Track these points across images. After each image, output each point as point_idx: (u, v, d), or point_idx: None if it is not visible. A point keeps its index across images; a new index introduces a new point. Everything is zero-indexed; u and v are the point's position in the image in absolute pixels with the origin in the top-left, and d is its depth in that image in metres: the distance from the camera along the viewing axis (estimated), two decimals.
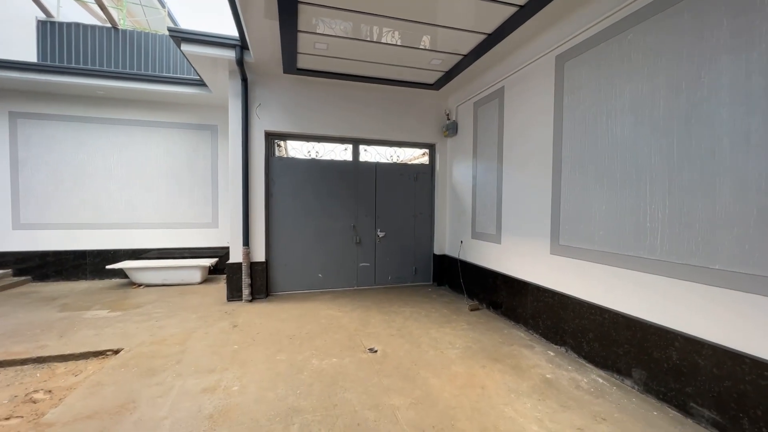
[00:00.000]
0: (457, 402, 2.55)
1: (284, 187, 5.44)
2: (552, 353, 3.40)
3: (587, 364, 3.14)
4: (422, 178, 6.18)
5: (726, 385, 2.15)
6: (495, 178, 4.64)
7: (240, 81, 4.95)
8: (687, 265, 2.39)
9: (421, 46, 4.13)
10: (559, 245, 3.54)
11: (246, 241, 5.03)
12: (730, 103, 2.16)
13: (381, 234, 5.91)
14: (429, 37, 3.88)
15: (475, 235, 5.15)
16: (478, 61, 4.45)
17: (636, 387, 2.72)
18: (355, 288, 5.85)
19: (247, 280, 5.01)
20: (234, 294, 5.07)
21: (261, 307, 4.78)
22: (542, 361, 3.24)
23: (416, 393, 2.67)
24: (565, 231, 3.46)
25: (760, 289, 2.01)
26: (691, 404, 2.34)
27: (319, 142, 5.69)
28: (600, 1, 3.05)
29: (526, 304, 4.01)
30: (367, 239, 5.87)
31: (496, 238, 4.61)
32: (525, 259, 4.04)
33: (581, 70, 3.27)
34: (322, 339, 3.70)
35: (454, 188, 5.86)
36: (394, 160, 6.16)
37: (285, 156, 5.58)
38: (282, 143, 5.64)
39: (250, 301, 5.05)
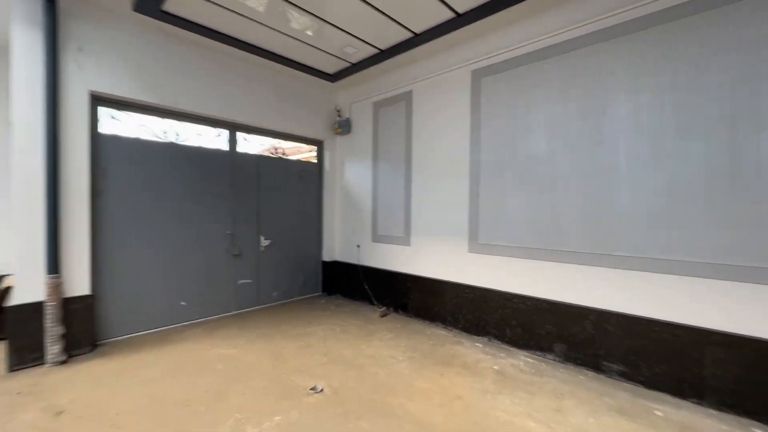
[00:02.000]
0: (454, 423, 2.32)
1: (123, 180, 3.67)
2: (480, 345, 3.66)
3: (512, 348, 3.55)
4: (309, 178, 5.53)
5: (628, 343, 2.85)
6: (402, 181, 4.65)
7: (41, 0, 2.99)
8: (595, 254, 3.04)
9: (341, 26, 3.65)
10: (477, 244, 3.86)
11: (54, 267, 3.07)
12: (626, 130, 2.89)
13: (265, 242, 4.90)
14: (355, 15, 3.47)
15: (377, 238, 5.01)
16: (388, 60, 4.35)
17: (557, 359, 3.25)
18: (235, 312, 4.61)
19: (56, 329, 3.05)
20: (25, 357, 3.00)
21: (93, 369, 3.01)
22: (479, 354, 3.43)
23: (407, 427, 2.27)
24: (484, 231, 3.81)
25: (649, 267, 2.77)
26: (603, 363, 2.98)
27: (181, 120, 4.15)
28: (515, 32, 3.52)
29: (443, 303, 4.18)
30: (248, 250, 4.73)
31: (405, 240, 4.62)
32: (441, 258, 4.21)
33: (499, 87, 3.69)
34: (238, 393, 2.65)
35: (347, 189, 5.52)
36: (279, 155, 5.24)
37: (125, 136, 3.75)
38: (121, 115, 3.76)
39: (64, 362, 3.11)
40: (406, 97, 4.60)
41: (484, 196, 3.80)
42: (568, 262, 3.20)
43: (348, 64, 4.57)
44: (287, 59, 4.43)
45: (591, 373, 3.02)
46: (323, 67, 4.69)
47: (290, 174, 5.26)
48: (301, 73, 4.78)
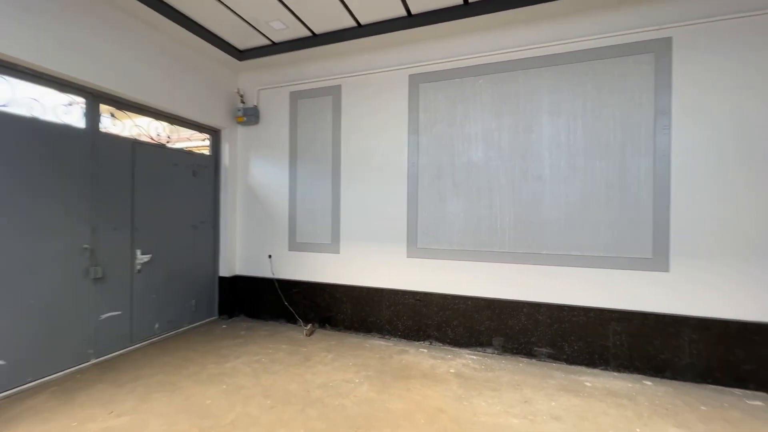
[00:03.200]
0: None
1: None
2: (425, 350, 3.65)
3: (455, 348, 3.66)
4: (203, 174, 4.43)
5: (555, 328, 3.34)
6: (330, 184, 4.24)
7: None
8: (526, 253, 3.45)
9: None
10: (417, 248, 3.86)
11: None
12: (549, 146, 3.39)
13: (144, 258, 3.63)
14: None
15: (296, 246, 4.41)
16: (317, 47, 3.91)
17: (496, 352, 3.53)
18: (98, 361, 3.22)
19: None
20: None
21: None
22: (428, 359, 3.40)
23: None
24: (423, 235, 3.83)
25: (569, 263, 3.31)
26: (535, 348, 3.40)
27: (7, 74, 2.62)
28: (455, 45, 3.69)
29: (380, 312, 3.99)
30: (116, 270, 3.40)
31: (333, 248, 4.22)
32: (376, 265, 4.02)
33: (438, 95, 3.78)
34: None
35: (253, 190, 4.67)
36: (164, 143, 3.99)
37: None
38: None
39: None
40: (334, 92, 4.22)
41: (424, 200, 3.83)
42: (503, 262, 3.53)
43: (267, 42, 3.88)
44: (185, 17, 3.42)
45: (526, 360, 3.40)
46: (233, 39, 3.84)
47: (180, 168, 4.08)
48: (200, 40, 3.78)
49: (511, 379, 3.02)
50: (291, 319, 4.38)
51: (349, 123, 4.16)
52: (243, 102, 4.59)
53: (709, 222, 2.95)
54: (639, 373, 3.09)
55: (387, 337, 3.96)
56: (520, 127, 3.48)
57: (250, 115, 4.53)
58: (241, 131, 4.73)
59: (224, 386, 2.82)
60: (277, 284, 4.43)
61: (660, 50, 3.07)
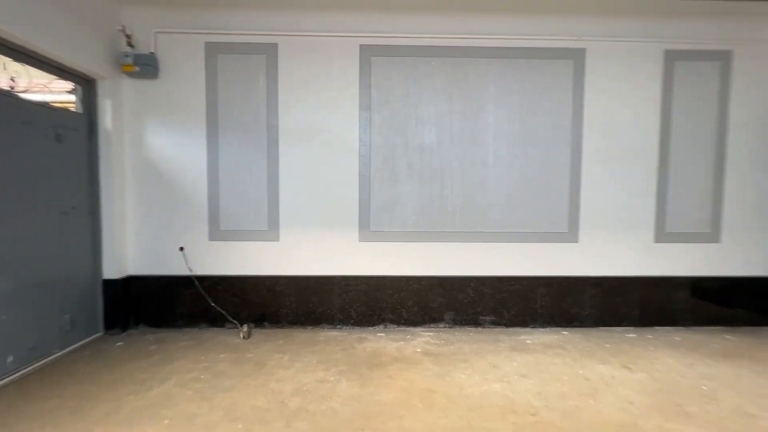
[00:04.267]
0: (458, 417, 2.22)
1: None
2: (382, 334, 3.59)
3: (410, 328, 3.72)
4: (72, 140, 3.17)
5: (497, 298, 3.75)
6: (265, 160, 3.62)
7: None
8: (474, 232, 3.73)
9: None
10: (369, 232, 3.71)
11: None
12: (493, 133, 3.68)
13: None
14: None
15: (220, 235, 3.66)
16: None
17: (447, 326, 3.75)
18: None
19: None
20: None
21: None
22: (390, 342, 3.37)
23: None
24: (377, 218, 3.70)
25: (508, 239, 3.73)
26: (480, 318, 3.76)
27: None
28: (408, 21, 3.56)
29: (330, 301, 3.71)
30: None
31: (271, 235, 3.67)
32: (325, 252, 3.69)
33: (391, 71, 3.62)
34: None
35: (153, 165, 3.61)
36: (7, 87, 2.63)
37: None
38: None
39: None
40: (269, 52, 3.57)
41: (377, 182, 3.68)
42: (453, 241, 3.73)
43: None
44: None
45: (474, 329, 3.74)
46: None
47: (35, 129, 2.80)
48: None
49: (472, 348, 3.27)
50: (215, 323, 3.66)
51: (289, 90, 3.60)
52: (131, 45, 3.42)
53: (602, 202, 3.74)
54: (557, 326, 3.77)
55: (339, 326, 3.73)
56: (469, 114, 3.67)
57: (144, 65, 3.42)
58: (131, 86, 3.54)
59: (166, 421, 2.16)
60: (197, 282, 3.60)
61: (577, 58, 3.66)
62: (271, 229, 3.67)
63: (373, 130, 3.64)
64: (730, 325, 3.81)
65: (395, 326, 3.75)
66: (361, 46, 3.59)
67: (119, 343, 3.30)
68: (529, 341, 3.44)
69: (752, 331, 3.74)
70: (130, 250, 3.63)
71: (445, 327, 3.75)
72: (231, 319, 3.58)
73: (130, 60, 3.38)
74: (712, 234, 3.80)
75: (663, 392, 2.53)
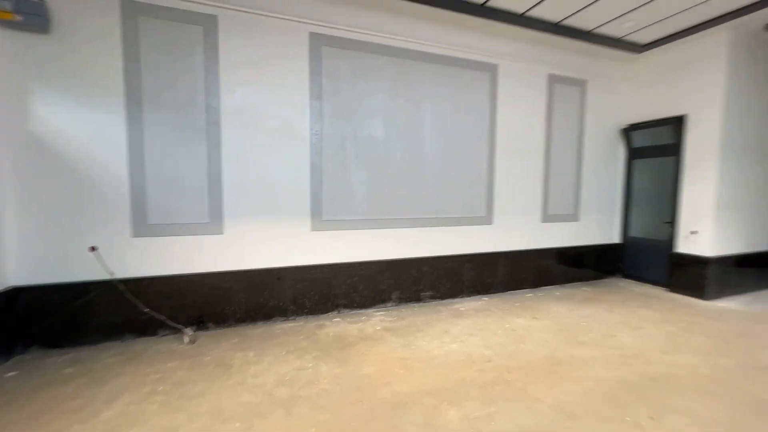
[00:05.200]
0: (437, 374, 2.60)
1: None
2: (339, 319, 3.71)
3: (363, 310, 3.94)
4: None
5: (434, 274, 4.28)
6: (205, 146, 3.27)
7: None
8: (416, 218, 4.16)
9: None
10: (322, 221, 3.75)
11: None
12: (430, 131, 4.15)
13: None
14: None
15: (147, 230, 3.16)
16: None
17: (394, 304, 4.11)
18: None
19: None
20: None
21: None
22: (350, 326, 3.53)
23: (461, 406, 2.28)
24: (329, 207, 3.77)
25: (442, 224, 4.29)
26: (421, 294, 4.24)
27: None
28: (359, 16, 3.68)
29: (282, 293, 3.62)
30: None
31: (213, 228, 3.36)
32: (276, 243, 3.58)
33: (341, 63, 3.69)
34: None
35: (47, 146, 2.84)
36: None
37: None
38: None
39: None
40: (207, 23, 3.20)
41: (329, 171, 3.73)
42: (399, 227, 4.09)
43: None
44: None
45: (417, 304, 4.20)
46: None
47: None
48: None
49: (422, 320, 3.71)
50: (144, 332, 3.17)
51: (232, 70, 3.31)
52: None
53: (509, 191, 4.65)
54: (480, 294, 4.56)
55: (293, 317, 3.69)
56: (411, 110, 4.04)
57: (27, 14, 2.66)
58: (10, 39, 2.70)
59: None
60: (123, 287, 3.03)
61: (492, 71, 4.42)
62: (213, 221, 3.35)
63: (325, 119, 3.67)
64: (585, 280, 5.26)
65: (349, 310, 3.92)
66: (311, 34, 3.55)
67: (11, 374, 2.57)
68: (462, 308, 4.08)
69: (598, 282, 5.26)
70: (14, 254, 2.81)
71: (393, 305, 4.11)
72: (173, 324, 3.16)
73: (8, 5, 2.58)
74: (574, 215, 5.15)
75: (561, 331, 3.43)
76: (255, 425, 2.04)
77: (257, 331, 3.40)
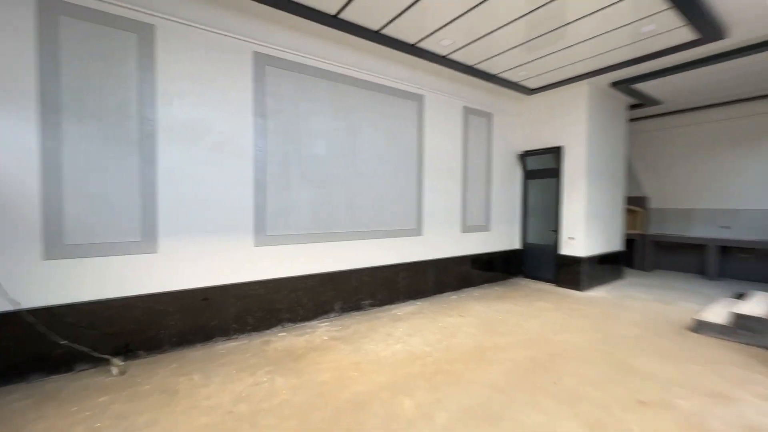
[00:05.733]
0: (384, 372, 2.88)
1: None
2: (284, 333, 3.73)
3: (307, 323, 4.01)
4: None
5: (373, 283, 4.58)
6: (136, 158, 3.06)
7: None
8: (355, 231, 4.43)
9: None
10: (266, 236, 3.76)
11: None
12: (367, 151, 4.51)
13: None
14: None
15: (63, 251, 2.81)
16: None
17: (337, 314, 4.27)
18: None
19: None
20: None
21: None
22: (299, 338, 3.60)
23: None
24: (273, 223, 3.81)
25: (379, 236, 4.65)
26: (361, 303, 4.50)
27: None
28: (301, 40, 3.88)
29: (224, 311, 3.51)
30: None
31: (145, 247, 3.13)
32: (218, 260, 3.47)
33: (285, 83, 3.83)
34: None
35: None
36: None
37: None
38: None
39: None
40: (143, 32, 3.05)
41: (273, 188, 3.79)
42: (340, 240, 4.31)
43: None
44: None
45: (358, 312, 4.43)
46: None
47: None
48: None
49: (365, 327, 3.97)
50: (56, 369, 2.77)
51: (170, 81, 3.19)
52: None
53: (435, 206, 5.27)
54: (413, 299, 5.02)
55: (235, 336, 3.58)
56: (350, 132, 4.36)
57: None
58: None
59: None
60: (33, 318, 2.61)
61: (419, 101, 5.02)
62: (145, 240, 3.12)
63: (269, 137, 3.74)
64: (496, 281, 6.17)
65: (293, 324, 3.96)
66: (255, 53, 3.62)
67: None
68: (400, 313, 4.47)
69: (506, 282, 6.21)
70: None
71: (336, 316, 4.28)
72: (98, 355, 2.81)
73: None
74: (486, 226, 6.04)
75: (484, 325, 4.06)
76: None
77: (197, 353, 3.23)
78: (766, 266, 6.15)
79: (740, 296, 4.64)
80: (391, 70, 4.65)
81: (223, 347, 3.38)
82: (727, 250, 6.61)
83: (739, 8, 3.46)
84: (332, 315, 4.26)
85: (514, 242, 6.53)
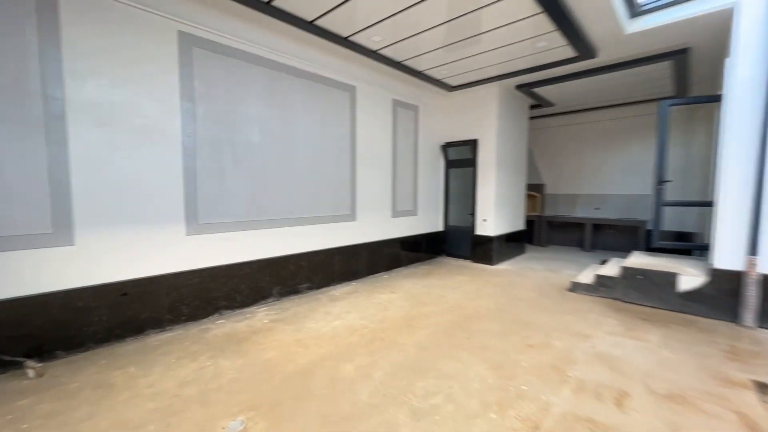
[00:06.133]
0: (326, 345, 3.17)
1: None
2: (222, 320, 3.75)
3: (246, 309, 4.07)
4: None
5: (309, 267, 4.78)
6: (43, 143, 2.77)
7: None
8: (290, 218, 4.55)
9: None
10: (198, 225, 3.69)
11: None
12: (302, 139, 4.61)
13: None
14: None
15: None
16: None
17: (276, 298, 4.39)
18: None
19: None
20: None
21: None
22: (238, 323, 3.67)
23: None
24: (205, 211, 3.74)
25: (313, 222, 4.83)
26: (299, 287, 4.67)
27: None
28: (233, 24, 3.78)
29: (157, 302, 3.40)
30: None
31: (59, 239, 2.88)
32: (146, 251, 3.33)
33: (216, 68, 3.71)
34: None
35: None
36: None
37: None
38: None
39: None
40: (46, 4, 2.71)
41: (204, 175, 3.70)
42: (275, 227, 4.40)
43: None
44: None
45: (296, 296, 4.61)
46: None
47: None
48: None
49: (304, 308, 4.18)
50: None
51: (80, 58, 2.90)
52: None
53: (367, 192, 5.61)
54: (349, 281, 5.34)
55: (170, 327, 3.50)
56: (286, 120, 4.41)
57: None
58: None
59: None
60: None
61: (352, 91, 5.24)
62: (59, 231, 2.87)
63: (198, 122, 3.62)
64: (422, 261, 6.83)
65: (231, 311, 3.98)
66: (180, 32, 3.44)
67: None
68: (337, 294, 4.77)
69: (431, 261, 6.91)
70: None
71: (274, 300, 4.40)
72: (13, 358, 2.56)
73: None
74: (413, 210, 6.60)
75: (412, 298, 4.58)
76: (172, 423, 2.14)
77: (129, 347, 3.12)
78: (625, 238, 7.86)
79: (603, 262, 5.95)
80: (326, 60, 4.77)
81: (157, 339, 3.30)
82: (598, 227, 8.26)
83: (602, 36, 4.38)
84: (271, 300, 4.38)
85: (437, 225, 7.24)
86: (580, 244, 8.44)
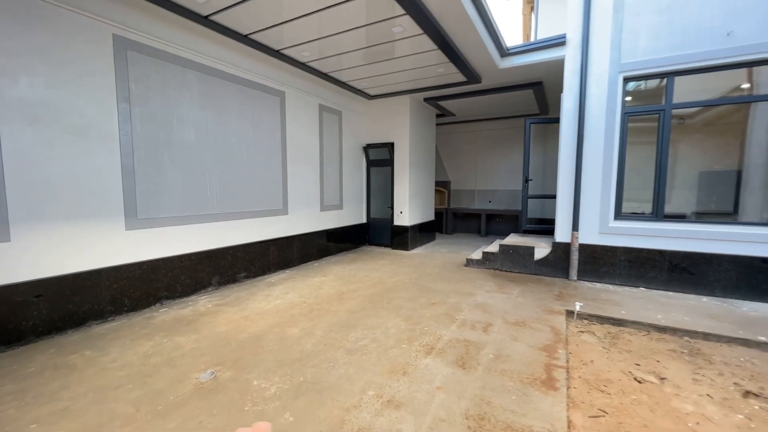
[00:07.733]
0: (269, 319, 3.76)
1: None
2: (165, 309, 4.01)
3: (186, 298, 4.34)
4: None
5: (247, 258, 5.18)
6: None
7: None
8: (228, 212, 4.91)
9: None
10: (137, 219, 3.89)
11: None
12: (237, 139, 4.98)
13: None
14: None
15: None
16: None
17: (215, 287, 4.73)
18: None
19: None
20: None
21: None
22: (183, 311, 3.98)
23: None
24: (144, 206, 3.94)
25: (250, 216, 5.24)
26: (237, 275, 5.05)
27: None
28: (168, 30, 4.00)
29: (98, 295, 3.55)
30: None
31: None
32: (86, 245, 3.45)
33: (151, 71, 3.91)
34: None
35: None
36: None
37: None
38: None
39: None
40: None
41: (142, 172, 3.90)
42: (214, 221, 4.73)
43: None
44: None
45: (235, 284, 4.99)
46: None
47: None
48: None
49: (245, 293, 4.63)
50: None
51: (11, 54, 2.95)
52: None
53: (297, 189, 6.18)
54: (283, 269, 5.86)
55: (111, 318, 3.66)
56: (221, 121, 4.74)
57: None
58: None
59: None
60: None
61: (282, 97, 5.74)
62: None
63: (135, 122, 3.81)
64: (349, 250, 7.63)
65: (172, 301, 4.23)
66: (114, 35, 3.60)
67: None
68: (273, 280, 5.28)
69: (357, 249, 7.75)
70: None
71: (214, 289, 4.73)
72: None
73: None
74: (340, 205, 7.34)
75: (341, 279, 5.36)
76: (148, 381, 2.56)
77: (73, 338, 3.27)
78: (510, 225, 9.80)
79: (491, 244, 7.54)
80: (258, 67, 5.19)
81: (101, 328, 3.48)
82: (491, 216, 10.11)
83: (483, 68, 5.72)
84: (210, 289, 4.71)
85: (361, 217, 8.12)
86: (478, 231, 10.21)
